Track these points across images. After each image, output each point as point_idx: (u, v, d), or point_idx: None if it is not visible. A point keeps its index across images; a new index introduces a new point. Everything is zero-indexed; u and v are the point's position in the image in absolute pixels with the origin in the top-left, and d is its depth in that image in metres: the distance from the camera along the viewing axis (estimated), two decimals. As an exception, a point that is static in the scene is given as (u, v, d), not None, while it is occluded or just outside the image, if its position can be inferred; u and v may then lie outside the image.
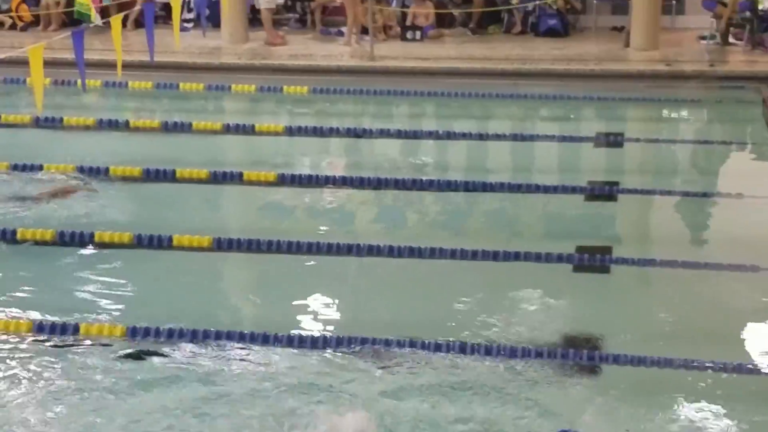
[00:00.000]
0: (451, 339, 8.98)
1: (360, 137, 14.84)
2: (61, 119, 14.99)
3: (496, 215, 12.47)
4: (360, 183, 12.75)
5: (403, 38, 20.33)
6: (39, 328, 9.22)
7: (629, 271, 10.62)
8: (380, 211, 12.72)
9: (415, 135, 14.83)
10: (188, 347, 8.98)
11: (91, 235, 11.06)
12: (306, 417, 7.99)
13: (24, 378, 8.55)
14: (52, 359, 8.82)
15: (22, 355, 8.88)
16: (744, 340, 9.39)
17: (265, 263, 10.98)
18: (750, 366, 8.73)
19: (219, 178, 12.87)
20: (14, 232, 11.12)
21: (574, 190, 12.60)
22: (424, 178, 13.08)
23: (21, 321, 9.34)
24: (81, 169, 12.91)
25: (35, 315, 9.49)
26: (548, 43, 19.80)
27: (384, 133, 14.77)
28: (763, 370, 8.73)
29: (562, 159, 14.42)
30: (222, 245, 11.01)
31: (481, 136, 14.71)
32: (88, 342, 9.06)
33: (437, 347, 8.87)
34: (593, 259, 10.63)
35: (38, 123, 14.88)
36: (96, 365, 8.74)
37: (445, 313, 9.76)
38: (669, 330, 9.49)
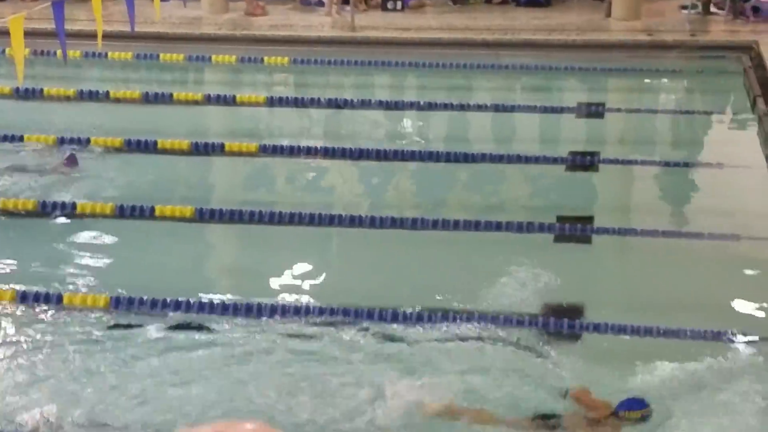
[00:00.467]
0: (432, 308, 9.02)
1: (341, 108, 14.81)
2: (42, 90, 14.93)
3: (477, 186, 12.49)
4: (341, 154, 12.75)
5: (384, 8, 20.25)
6: (22, 297, 9.24)
7: (610, 240, 10.66)
8: (362, 182, 12.72)
9: (397, 106, 14.82)
10: (171, 317, 9.01)
11: (73, 206, 11.05)
12: (289, 385, 8.04)
13: (5, 346, 8.57)
14: (35, 329, 8.84)
15: (4, 324, 8.89)
16: (724, 308, 9.45)
17: (246, 233, 10.99)
18: (729, 333, 8.80)
19: (200, 148, 12.85)
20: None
21: (555, 160, 12.62)
22: (405, 148, 13.08)
23: (4, 290, 9.35)
24: (62, 140, 12.87)
25: (18, 285, 9.49)
26: (530, 13, 19.76)
27: (365, 104, 14.76)
28: (742, 338, 8.80)
29: (544, 129, 14.43)
30: (204, 215, 11.01)
31: (463, 107, 14.70)
32: (71, 311, 9.08)
33: (419, 317, 8.91)
34: (574, 229, 10.66)
35: (18, 94, 14.82)
36: (79, 335, 8.77)
37: (426, 282, 9.79)
38: (649, 299, 9.55)
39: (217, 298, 9.29)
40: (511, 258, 10.09)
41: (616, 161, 12.63)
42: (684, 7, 19.60)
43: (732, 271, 10.09)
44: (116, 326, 8.91)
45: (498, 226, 10.62)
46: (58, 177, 11.98)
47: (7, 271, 9.98)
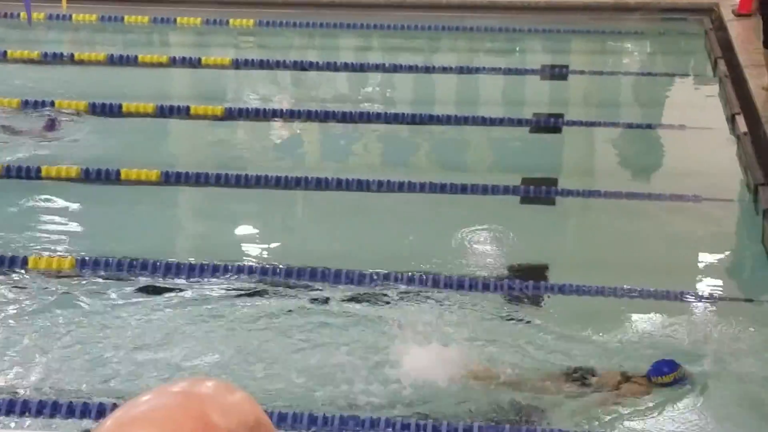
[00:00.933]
0: (398, 271, 9.08)
1: (306, 70, 14.80)
2: (5, 52, 14.84)
3: (442, 148, 12.54)
4: (307, 116, 12.75)
5: (349, -30, 20.23)
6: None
7: (574, 202, 10.75)
8: (327, 144, 12.75)
9: (362, 68, 14.81)
10: (137, 279, 9.04)
11: (38, 170, 11.01)
12: (257, 346, 8.11)
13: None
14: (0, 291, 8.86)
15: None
16: (686, 268, 9.57)
17: (212, 196, 11.00)
18: (691, 293, 8.92)
19: (166, 111, 12.81)
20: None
21: (519, 122, 12.67)
22: (370, 110, 13.10)
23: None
24: (26, 103, 12.81)
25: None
26: (494, -25, 19.76)
27: (330, 66, 14.74)
28: (704, 297, 8.92)
29: (508, 91, 14.49)
30: (170, 179, 11.01)
31: (428, 69, 14.73)
32: (36, 274, 9.08)
33: (385, 278, 8.97)
34: (539, 191, 10.74)
35: (-19, 57, 14.73)
36: (44, 297, 8.79)
37: (392, 245, 9.86)
38: (613, 260, 9.66)
39: (183, 259, 9.32)
40: (477, 220, 10.16)
41: (579, 123, 12.70)
42: (647, -31, 19.64)
43: (693, 232, 10.21)
44: (82, 288, 8.92)
45: (463, 189, 10.67)
46: (23, 140, 11.95)
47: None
